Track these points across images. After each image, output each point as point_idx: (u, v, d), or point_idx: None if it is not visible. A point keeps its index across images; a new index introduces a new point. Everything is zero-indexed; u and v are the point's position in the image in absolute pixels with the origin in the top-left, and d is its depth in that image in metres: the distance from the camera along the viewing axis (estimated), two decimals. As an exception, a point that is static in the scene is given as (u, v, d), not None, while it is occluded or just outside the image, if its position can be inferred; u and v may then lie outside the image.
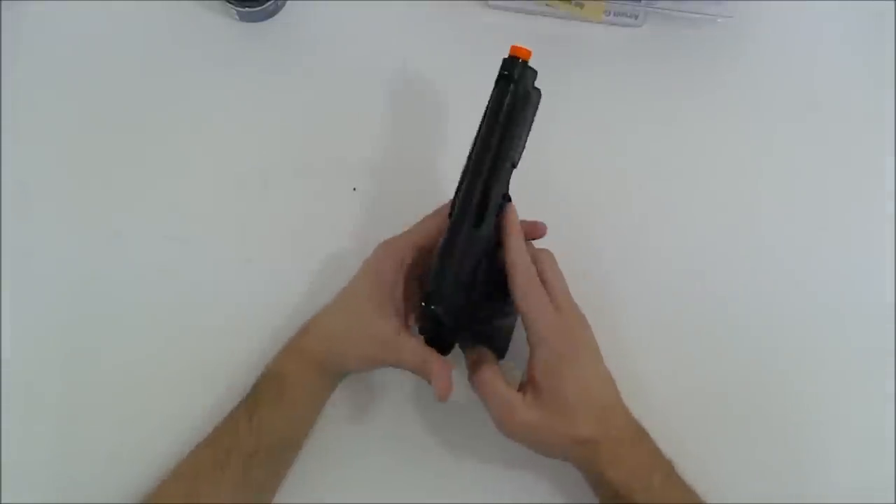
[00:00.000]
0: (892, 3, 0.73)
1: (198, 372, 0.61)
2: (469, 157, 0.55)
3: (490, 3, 0.71)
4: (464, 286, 0.53)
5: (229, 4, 0.69)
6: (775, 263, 0.66)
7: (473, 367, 0.55)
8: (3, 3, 0.70)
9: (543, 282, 0.54)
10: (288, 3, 0.71)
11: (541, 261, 0.55)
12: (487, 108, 0.55)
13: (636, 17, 0.71)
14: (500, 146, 0.54)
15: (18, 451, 0.60)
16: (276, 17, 0.71)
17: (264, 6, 0.69)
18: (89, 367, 0.62)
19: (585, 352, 0.54)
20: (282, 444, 0.56)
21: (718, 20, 0.70)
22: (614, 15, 0.71)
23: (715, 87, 0.71)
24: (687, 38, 0.72)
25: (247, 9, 0.69)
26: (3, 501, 0.58)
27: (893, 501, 0.60)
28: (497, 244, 0.55)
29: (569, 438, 0.52)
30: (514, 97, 0.54)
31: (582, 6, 0.70)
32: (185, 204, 0.66)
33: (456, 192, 0.55)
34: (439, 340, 0.57)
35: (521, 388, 0.54)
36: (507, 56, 0.54)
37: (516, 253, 0.53)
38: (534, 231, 0.58)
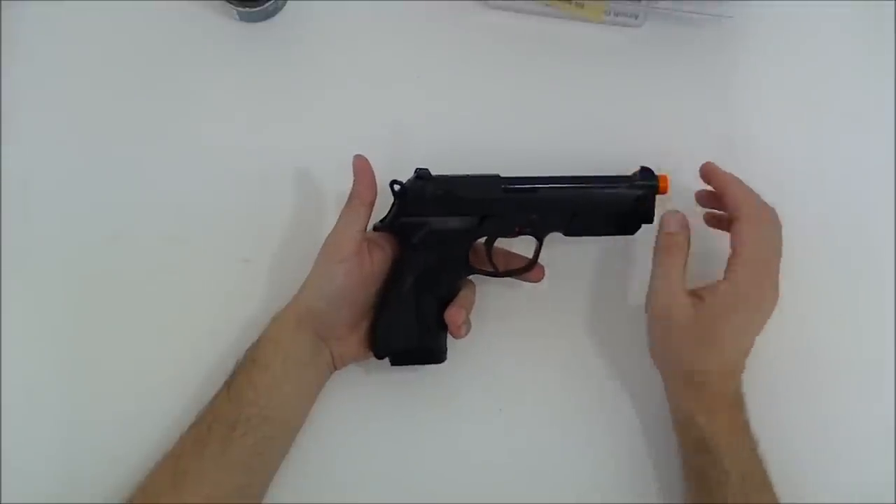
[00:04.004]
0: (893, 3, 0.73)
1: (197, 372, 0.61)
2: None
3: (490, 3, 0.71)
4: (410, 320, 0.58)
5: (229, 4, 0.69)
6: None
7: (674, 233, 0.57)
8: (2, 3, 0.70)
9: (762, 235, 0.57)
10: (288, 3, 0.71)
11: (767, 217, 0.58)
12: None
13: (636, 17, 0.71)
14: None
15: (18, 451, 0.60)
16: (276, 17, 0.71)
17: (264, 6, 0.69)
18: (89, 367, 0.62)
19: (756, 310, 0.56)
20: (261, 416, 0.54)
21: (718, 20, 0.70)
22: (614, 15, 0.71)
23: (715, 87, 0.71)
24: (687, 38, 0.72)
25: (247, 9, 0.69)
26: (3, 501, 0.58)
27: (893, 501, 0.61)
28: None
29: (687, 362, 0.56)
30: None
31: (582, 6, 0.70)
32: (185, 204, 0.66)
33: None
34: (420, 359, 0.60)
35: (694, 292, 0.56)
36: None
37: (740, 193, 0.57)
38: (535, 276, 0.61)
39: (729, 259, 0.56)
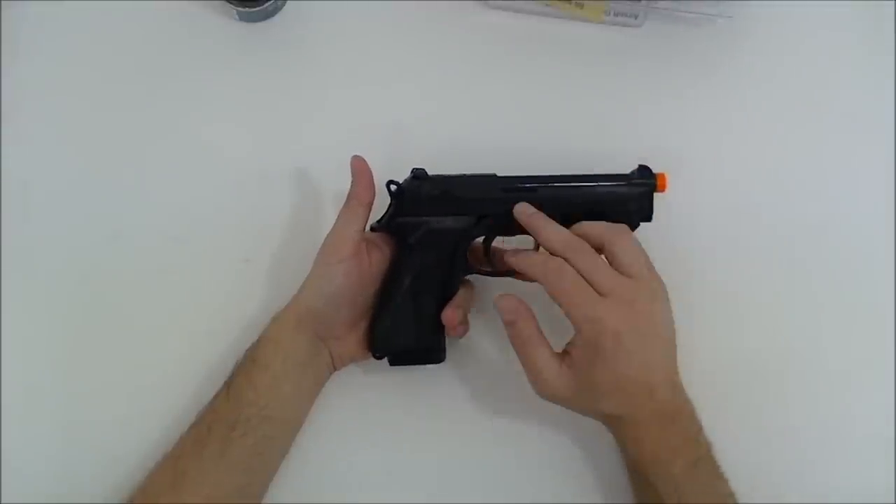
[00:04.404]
0: (893, 3, 0.73)
1: (197, 372, 0.61)
2: None
3: (490, 3, 0.71)
4: (408, 320, 0.58)
5: (229, 4, 0.69)
6: (773, 262, 0.66)
7: (511, 321, 0.55)
8: (3, 3, 0.70)
9: (610, 257, 0.54)
10: (288, 3, 0.71)
11: (609, 236, 0.55)
12: None
13: (636, 17, 0.71)
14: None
15: (18, 451, 0.60)
16: (276, 17, 0.71)
17: (264, 6, 0.69)
18: (89, 366, 0.62)
19: (633, 333, 0.52)
20: (260, 416, 0.54)
21: (718, 20, 0.70)
22: (614, 15, 0.71)
23: (715, 87, 0.71)
24: (687, 38, 0.72)
25: (247, 9, 0.69)
26: (3, 501, 0.58)
27: (893, 501, 0.61)
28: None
29: (593, 411, 0.55)
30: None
31: (582, 6, 0.70)
32: (185, 204, 0.66)
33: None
34: (418, 359, 0.61)
35: (563, 352, 0.55)
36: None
37: (538, 258, 0.56)
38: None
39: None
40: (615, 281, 0.53)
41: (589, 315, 0.52)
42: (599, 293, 0.52)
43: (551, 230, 0.56)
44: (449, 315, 0.58)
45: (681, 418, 0.54)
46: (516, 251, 0.58)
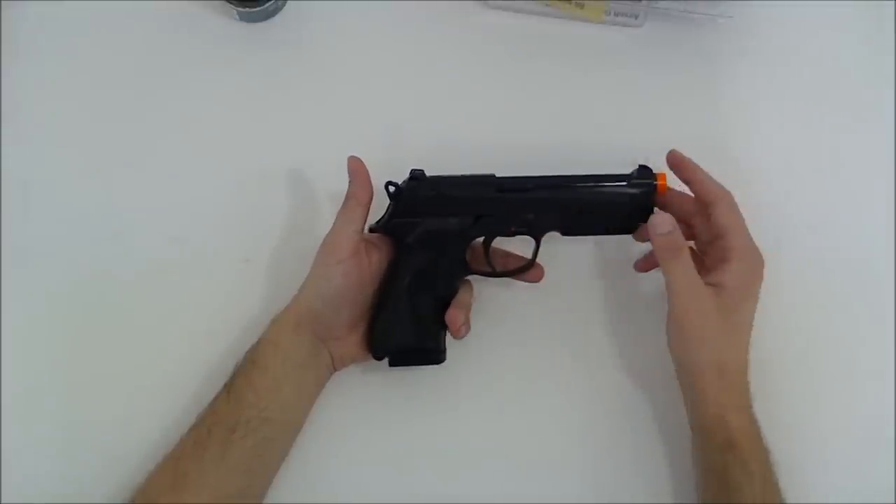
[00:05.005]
0: (893, 3, 0.73)
1: (197, 372, 0.61)
2: None
3: (490, 3, 0.71)
4: (407, 321, 0.58)
5: (229, 4, 0.69)
6: (773, 261, 0.66)
7: (668, 231, 0.55)
8: (3, 3, 0.70)
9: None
10: (288, 3, 0.71)
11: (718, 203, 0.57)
12: None
13: (636, 17, 0.71)
14: None
15: (18, 451, 0.60)
16: (276, 17, 0.71)
17: (264, 6, 0.69)
18: (89, 367, 0.62)
19: (757, 295, 0.57)
20: (260, 418, 0.54)
21: (718, 20, 0.70)
22: (614, 15, 0.71)
23: (715, 87, 0.71)
24: (687, 38, 0.72)
25: (247, 9, 0.69)
26: (3, 501, 0.58)
27: (893, 501, 0.60)
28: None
29: (717, 351, 0.55)
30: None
31: (582, 6, 0.70)
32: (185, 204, 0.66)
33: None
34: (418, 360, 0.60)
35: (710, 281, 0.55)
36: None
37: (709, 180, 0.59)
38: (534, 276, 0.61)
39: (721, 245, 0.56)
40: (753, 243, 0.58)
41: (757, 257, 0.57)
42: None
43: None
44: (452, 316, 0.58)
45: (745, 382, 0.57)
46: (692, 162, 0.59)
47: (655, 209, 0.59)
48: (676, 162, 0.60)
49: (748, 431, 0.54)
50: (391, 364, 0.60)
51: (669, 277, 0.55)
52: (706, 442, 0.56)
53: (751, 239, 0.57)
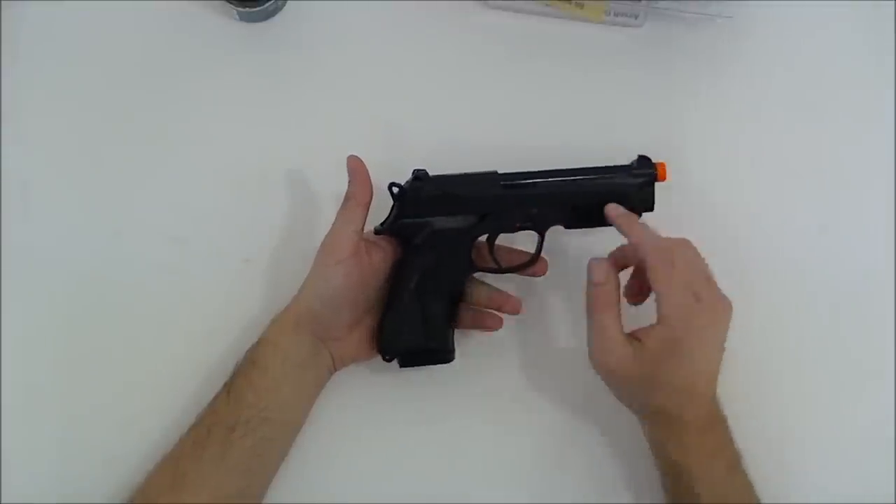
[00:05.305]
0: (893, 3, 0.73)
1: (197, 372, 0.61)
2: None
3: (490, 3, 0.71)
4: (416, 321, 0.58)
5: (229, 4, 0.69)
6: (772, 262, 0.66)
7: (600, 283, 0.55)
8: (3, 3, 0.70)
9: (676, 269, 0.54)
10: (288, 3, 0.71)
11: (675, 250, 0.55)
12: None
13: (636, 17, 0.71)
14: None
15: (18, 451, 0.60)
16: (276, 17, 0.71)
17: (264, 6, 0.69)
18: (89, 366, 0.62)
19: (700, 342, 0.53)
20: (260, 418, 0.54)
21: (718, 20, 0.70)
22: (614, 15, 0.71)
23: (715, 87, 0.71)
24: (687, 38, 0.72)
25: (247, 9, 0.69)
26: (3, 501, 0.58)
27: (893, 502, 0.61)
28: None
29: (641, 400, 0.55)
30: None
31: (582, 6, 0.70)
32: (185, 204, 0.66)
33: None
34: (428, 360, 0.60)
35: (632, 335, 0.54)
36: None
37: (643, 238, 0.56)
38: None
39: (655, 300, 0.54)
40: (708, 287, 0.54)
41: (684, 314, 0.53)
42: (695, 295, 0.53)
43: (647, 231, 0.56)
44: (480, 319, 0.61)
45: (719, 424, 0.55)
46: (630, 217, 0.58)
47: (594, 257, 0.57)
48: (613, 219, 0.58)
49: (694, 455, 0.54)
50: (402, 365, 0.60)
51: (590, 327, 0.55)
52: (655, 462, 0.57)
53: (683, 296, 0.53)
